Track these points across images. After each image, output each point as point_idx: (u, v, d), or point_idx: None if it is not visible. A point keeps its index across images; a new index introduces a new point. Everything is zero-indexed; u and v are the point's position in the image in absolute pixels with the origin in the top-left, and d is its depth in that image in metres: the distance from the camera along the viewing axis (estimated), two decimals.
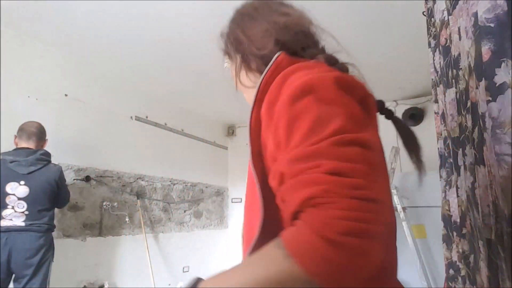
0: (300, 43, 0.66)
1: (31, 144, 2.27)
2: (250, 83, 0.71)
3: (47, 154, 2.33)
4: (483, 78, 0.70)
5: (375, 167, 0.44)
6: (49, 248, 2.22)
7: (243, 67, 0.71)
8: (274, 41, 0.64)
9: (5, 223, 2.08)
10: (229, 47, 0.75)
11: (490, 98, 0.67)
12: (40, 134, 2.34)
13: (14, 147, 2.27)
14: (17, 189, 2.12)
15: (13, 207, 2.11)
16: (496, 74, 0.66)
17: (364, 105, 0.52)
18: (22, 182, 2.14)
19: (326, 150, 0.42)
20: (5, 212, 2.09)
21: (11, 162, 2.13)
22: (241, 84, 0.72)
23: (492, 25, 0.67)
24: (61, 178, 2.32)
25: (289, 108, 0.47)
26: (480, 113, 0.81)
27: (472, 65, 0.84)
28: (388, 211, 0.44)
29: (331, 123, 0.44)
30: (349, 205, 0.38)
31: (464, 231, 1.23)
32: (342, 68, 0.64)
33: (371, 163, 0.43)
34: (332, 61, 0.62)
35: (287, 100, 0.48)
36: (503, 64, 0.65)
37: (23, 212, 2.13)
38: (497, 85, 0.66)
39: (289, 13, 0.69)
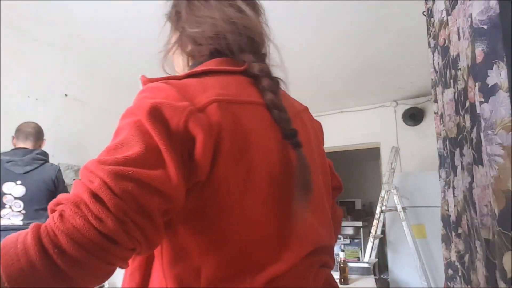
0: (236, 46, 0.62)
1: (28, 144, 2.28)
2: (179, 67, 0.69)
3: (44, 154, 2.33)
4: (477, 80, 0.70)
5: (135, 204, 0.42)
6: None
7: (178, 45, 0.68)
8: (214, 33, 0.61)
9: (3, 222, 2.09)
10: (171, 18, 0.70)
11: (483, 99, 0.68)
12: (37, 134, 2.34)
13: (13, 147, 2.29)
14: (13, 189, 2.13)
15: (10, 207, 2.13)
16: (488, 76, 0.66)
17: (189, 138, 0.48)
18: (19, 182, 2.15)
19: (104, 173, 0.42)
20: (3, 212, 2.10)
21: (7, 162, 2.15)
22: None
23: (485, 27, 0.67)
24: (58, 177, 2.32)
25: (118, 123, 0.51)
26: (477, 114, 0.81)
27: (469, 66, 0.84)
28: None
29: (127, 150, 0.45)
30: (71, 231, 0.39)
31: (459, 230, 1.23)
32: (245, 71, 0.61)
33: (131, 200, 0.42)
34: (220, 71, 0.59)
35: (121, 116, 0.52)
36: (494, 66, 0.65)
37: (20, 211, 2.14)
38: (489, 86, 0.66)
39: (244, 11, 0.63)
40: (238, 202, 0.51)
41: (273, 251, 0.53)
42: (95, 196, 0.40)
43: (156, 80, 0.54)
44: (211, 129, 0.49)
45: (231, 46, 0.61)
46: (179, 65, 0.68)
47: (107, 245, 0.41)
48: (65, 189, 2.42)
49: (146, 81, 0.56)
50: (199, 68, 0.58)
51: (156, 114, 0.47)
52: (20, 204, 2.14)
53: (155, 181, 0.44)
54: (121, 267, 0.47)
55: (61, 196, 0.43)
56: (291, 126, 0.57)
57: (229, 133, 0.51)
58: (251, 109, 0.56)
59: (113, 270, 0.46)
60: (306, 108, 0.74)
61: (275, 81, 0.62)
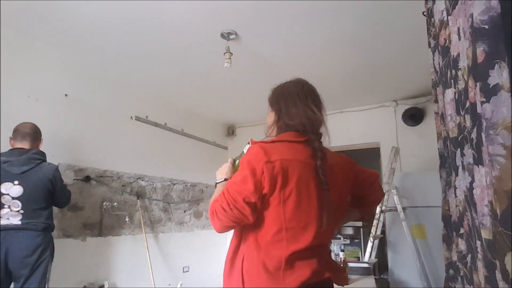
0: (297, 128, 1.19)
1: (25, 144, 2.27)
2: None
3: (41, 153, 2.32)
4: (478, 79, 0.70)
5: (234, 205, 1.06)
6: (47, 247, 2.21)
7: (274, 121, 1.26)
8: (300, 123, 1.18)
9: (3, 222, 2.09)
10: (273, 103, 1.27)
11: (484, 99, 0.67)
12: (34, 134, 2.33)
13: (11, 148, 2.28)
14: (11, 189, 2.13)
15: (9, 207, 2.12)
16: (489, 76, 0.66)
17: (263, 176, 1.06)
18: (16, 182, 2.15)
19: (225, 190, 1.10)
20: (2, 212, 2.10)
21: (4, 162, 2.14)
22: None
23: (486, 26, 0.67)
24: (56, 176, 2.31)
25: (240, 166, 1.13)
26: (478, 114, 0.81)
27: (470, 66, 0.84)
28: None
29: (236, 179, 1.10)
30: (214, 207, 1.10)
31: (461, 231, 1.23)
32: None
33: (231, 202, 1.07)
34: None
35: (241, 162, 1.15)
36: (496, 66, 0.65)
37: (18, 211, 2.13)
38: (490, 86, 0.66)
39: (315, 111, 1.19)
40: (280, 207, 1.07)
41: (300, 236, 1.09)
42: (222, 199, 1.08)
43: (256, 143, 1.16)
44: (273, 173, 1.05)
45: (307, 130, 1.15)
46: (269, 132, 1.26)
47: (225, 216, 1.07)
48: (63, 188, 2.40)
49: (253, 143, 1.19)
50: (278, 138, 1.17)
51: (249, 162, 1.08)
52: (18, 204, 2.14)
53: (242, 189, 1.06)
54: (238, 225, 1.13)
55: (217, 197, 1.12)
56: (326, 179, 1.10)
57: (281, 176, 1.06)
58: (297, 164, 1.09)
59: (233, 226, 1.13)
60: (342, 161, 1.25)
61: (323, 153, 1.13)
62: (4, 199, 2.12)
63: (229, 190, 1.07)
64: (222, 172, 1.31)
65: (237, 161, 1.32)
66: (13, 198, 2.13)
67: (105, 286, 3.13)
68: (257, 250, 1.09)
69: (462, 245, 1.25)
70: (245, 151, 1.32)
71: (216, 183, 1.29)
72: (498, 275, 0.72)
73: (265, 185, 1.05)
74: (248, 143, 1.33)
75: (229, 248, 1.18)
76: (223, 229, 1.12)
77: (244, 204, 1.05)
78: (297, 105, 1.19)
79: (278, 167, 1.05)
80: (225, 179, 1.25)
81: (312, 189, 1.09)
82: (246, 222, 1.09)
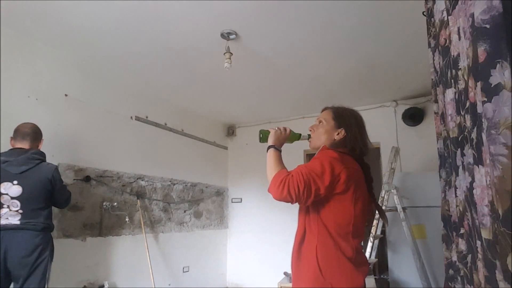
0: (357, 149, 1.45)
1: (25, 144, 2.27)
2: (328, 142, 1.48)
3: (40, 153, 2.32)
4: (479, 79, 0.70)
5: (308, 190, 1.23)
6: (46, 247, 2.20)
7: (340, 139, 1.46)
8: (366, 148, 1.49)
9: (2, 221, 2.09)
10: (346, 124, 1.46)
11: (486, 99, 0.67)
12: (34, 134, 2.33)
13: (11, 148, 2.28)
14: (10, 189, 2.13)
15: (8, 206, 2.12)
16: (491, 75, 0.66)
17: (338, 178, 1.26)
18: (15, 182, 2.14)
19: (303, 172, 1.26)
20: (1, 211, 2.10)
21: (3, 162, 2.14)
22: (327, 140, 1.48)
23: (487, 26, 0.66)
24: (55, 176, 2.30)
25: (314, 160, 1.31)
26: (478, 114, 0.80)
27: (470, 66, 0.84)
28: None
29: (313, 167, 1.26)
30: (288, 180, 1.24)
31: (462, 231, 1.23)
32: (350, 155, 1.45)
33: (307, 186, 1.23)
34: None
35: (316, 158, 1.33)
36: (498, 65, 0.65)
37: (17, 211, 2.13)
38: (492, 86, 0.66)
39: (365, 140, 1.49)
40: (352, 206, 1.30)
41: (359, 231, 1.33)
42: (300, 179, 1.23)
43: (329, 149, 1.39)
44: (349, 176, 1.27)
45: (363, 152, 1.46)
46: (329, 141, 1.46)
47: (295, 193, 1.22)
48: (62, 188, 2.39)
49: (325, 148, 1.41)
50: (342, 150, 1.39)
51: (331, 162, 1.26)
52: (17, 203, 2.14)
53: (318, 180, 1.24)
54: (293, 201, 1.25)
55: (293, 171, 1.27)
56: (372, 189, 1.47)
57: (354, 181, 1.29)
58: (359, 173, 1.37)
59: (290, 201, 1.25)
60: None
61: (370, 168, 1.48)
62: (3, 199, 2.11)
63: (308, 174, 1.23)
64: (279, 139, 1.45)
65: (291, 133, 1.53)
66: (12, 198, 2.13)
67: (105, 286, 3.13)
68: (332, 240, 1.28)
69: (462, 245, 1.25)
70: (302, 136, 1.56)
71: (270, 146, 1.41)
72: (499, 275, 0.72)
73: (339, 185, 1.26)
74: (309, 135, 1.53)
75: (296, 238, 1.39)
76: (283, 200, 1.25)
77: (313, 193, 1.23)
78: (366, 136, 1.50)
79: (352, 173, 1.29)
80: (280, 150, 1.42)
81: (367, 196, 1.39)
82: (299, 203, 1.28)
